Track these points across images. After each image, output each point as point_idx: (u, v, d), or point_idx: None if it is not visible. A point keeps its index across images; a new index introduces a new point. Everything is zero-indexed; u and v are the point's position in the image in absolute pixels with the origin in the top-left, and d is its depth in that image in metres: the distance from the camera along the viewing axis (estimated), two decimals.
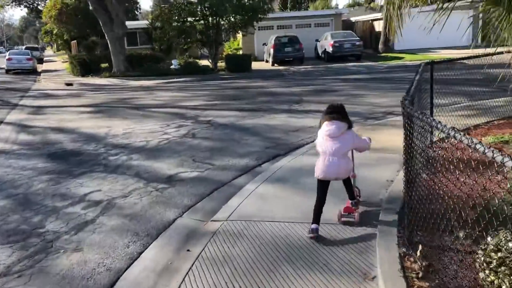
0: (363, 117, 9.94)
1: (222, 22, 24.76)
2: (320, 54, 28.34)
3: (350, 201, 4.74)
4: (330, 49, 26.08)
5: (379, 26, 31.82)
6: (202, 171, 6.71)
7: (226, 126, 9.74)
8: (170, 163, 7.19)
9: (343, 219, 4.58)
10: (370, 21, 33.93)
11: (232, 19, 24.68)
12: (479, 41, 32.34)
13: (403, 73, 18.24)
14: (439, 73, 7.99)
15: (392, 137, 7.30)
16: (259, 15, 24.36)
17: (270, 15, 27.08)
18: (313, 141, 8.13)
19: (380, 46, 29.26)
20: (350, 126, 4.43)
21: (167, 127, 9.82)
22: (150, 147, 8.23)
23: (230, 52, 29.34)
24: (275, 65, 26.51)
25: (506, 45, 5.84)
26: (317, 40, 29.12)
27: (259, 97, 13.96)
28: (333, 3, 50.95)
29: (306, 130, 9.00)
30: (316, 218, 4.32)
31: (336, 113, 4.40)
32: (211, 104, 12.95)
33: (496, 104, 9.72)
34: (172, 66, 24.01)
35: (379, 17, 31.76)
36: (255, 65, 25.90)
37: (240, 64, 23.75)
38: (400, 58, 25.30)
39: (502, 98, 10.41)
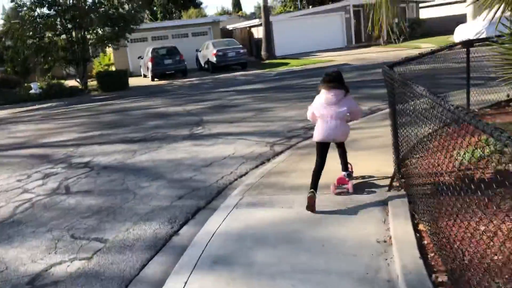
0: (284, 137, 8.18)
1: (89, 36, 21.57)
2: (203, 65, 26.45)
3: (343, 173, 4.89)
4: (214, 59, 24.29)
5: (257, 33, 31.02)
6: (89, 257, 4.28)
7: (113, 169, 7.25)
8: (35, 247, 4.61)
9: (337, 190, 4.76)
10: (248, 28, 33.03)
11: (100, 32, 21.63)
12: (353, 42, 33.14)
13: (297, 80, 17.14)
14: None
15: (332, 164, 5.61)
16: (131, 26, 21.69)
17: (144, 26, 24.52)
18: (236, 180, 6.22)
19: (263, 53, 28.33)
20: (347, 92, 4.63)
21: (28, 180, 7.00)
22: (1, 219, 5.48)
23: (101, 69, 26.00)
24: (156, 79, 23.97)
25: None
26: (197, 50, 27.21)
27: (148, 120, 11.52)
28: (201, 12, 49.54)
29: (223, 162, 6.95)
30: (314, 184, 4.44)
31: (333, 81, 4.62)
32: (87, 137, 10.20)
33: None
34: (32, 91, 20.17)
35: (257, 24, 30.97)
36: (133, 82, 23.12)
37: (115, 82, 20.86)
38: (285, 64, 24.49)
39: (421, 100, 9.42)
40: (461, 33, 22.84)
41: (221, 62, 24.21)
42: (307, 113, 4.89)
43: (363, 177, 5.22)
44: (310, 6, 34.96)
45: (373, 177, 5.21)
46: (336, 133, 4.56)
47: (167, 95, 17.11)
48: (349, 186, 4.75)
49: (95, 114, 14.11)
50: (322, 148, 4.62)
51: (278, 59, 27.45)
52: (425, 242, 3.70)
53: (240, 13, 54.60)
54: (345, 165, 4.91)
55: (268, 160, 6.88)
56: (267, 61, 27.15)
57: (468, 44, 7.54)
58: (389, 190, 4.71)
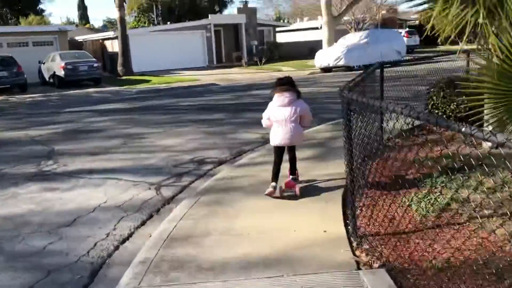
0: (171, 174, 6.40)
1: None
2: (47, 79, 22.78)
3: (290, 177, 5.02)
4: (61, 73, 20.99)
5: (112, 47, 28.28)
6: None
7: None
8: None
9: (284, 193, 4.87)
10: (101, 41, 29.99)
11: None
12: (215, 62, 32.40)
13: (165, 99, 15.32)
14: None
15: (258, 221, 4.16)
16: None
17: None
18: (118, 248, 4.26)
19: (120, 68, 25.70)
20: (299, 96, 4.91)
21: None
22: None
23: None
24: None
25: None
26: (40, 62, 23.41)
27: None
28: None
29: (92, 217, 4.92)
30: (275, 177, 4.87)
31: (286, 84, 4.89)
32: None
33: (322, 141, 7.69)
34: None
35: (112, 36, 28.24)
36: None
37: None
38: (146, 81, 22.39)
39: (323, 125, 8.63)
40: (321, 58, 23.50)
41: (70, 77, 21.07)
42: (262, 120, 5.12)
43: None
44: (168, 23, 33.32)
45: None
46: (292, 137, 4.79)
47: (1, 116, 13.72)
48: (297, 189, 4.89)
49: None
50: (279, 151, 4.95)
51: (136, 75, 25.10)
52: None
53: (88, 25, 50.31)
54: (293, 169, 5.06)
55: (158, 211, 5.07)
56: (124, 77, 24.61)
57: (382, 66, 6.73)
58: (358, 268, 3.32)
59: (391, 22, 41.14)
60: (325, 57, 23.16)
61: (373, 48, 23.38)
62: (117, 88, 20.56)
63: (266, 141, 8.09)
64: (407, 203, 4.27)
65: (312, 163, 6.16)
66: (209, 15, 31.25)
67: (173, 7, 37.14)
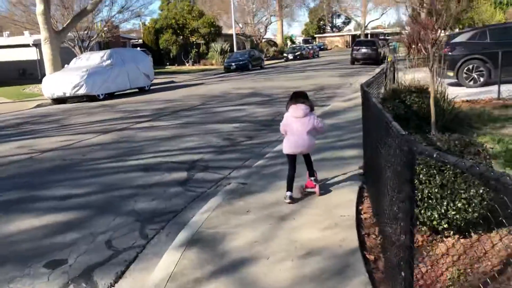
0: None
1: None
2: None
3: (311, 178, 5.28)
4: None
5: None
6: None
7: None
8: None
9: (306, 191, 5.23)
10: None
11: None
12: None
13: None
14: None
15: None
16: None
17: None
18: None
19: None
20: (312, 109, 5.08)
21: None
22: None
23: None
24: None
25: None
26: None
27: None
28: None
29: None
30: (289, 186, 5.06)
31: (300, 97, 5.07)
32: None
33: None
34: None
35: None
36: None
37: None
38: None
39: None
40: (52, 86, 17.41)
41: None
42: (280, 128, 5.17)
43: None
44: None
45: None
46: (303, 146, 5.01)
47: None
48: (316, 189, 5.19)
49: None
50: (292, 159, 5.14)
51: None
52: None
53: None
54: (311, 170, 5.26)
55: None
56: None
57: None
58: None
59: (115, 40, 36.93)
60: (59, 84, 17.27)
61: (118, 72, 18.88)
62: None
63: None
64: None
65: None
66: None
67: None
